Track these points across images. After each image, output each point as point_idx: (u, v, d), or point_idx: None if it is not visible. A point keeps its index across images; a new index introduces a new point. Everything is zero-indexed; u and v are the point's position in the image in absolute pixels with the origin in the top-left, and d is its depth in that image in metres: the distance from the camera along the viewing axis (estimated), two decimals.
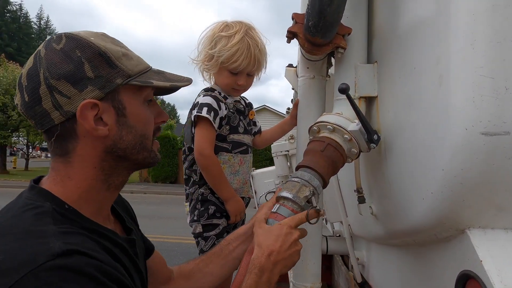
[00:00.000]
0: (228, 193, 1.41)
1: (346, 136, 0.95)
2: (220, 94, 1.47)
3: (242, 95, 1.59)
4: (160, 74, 0.77)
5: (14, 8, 49.90)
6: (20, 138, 19.10)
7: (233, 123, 1.46)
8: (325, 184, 0.93)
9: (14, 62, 18.86)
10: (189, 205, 1.45)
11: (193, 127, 1.41)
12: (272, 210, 0.87)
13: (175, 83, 0.76)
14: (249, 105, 1.60)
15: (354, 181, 1.14)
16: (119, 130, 0.70)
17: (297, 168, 0.95)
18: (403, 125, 0.89)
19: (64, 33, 0.70)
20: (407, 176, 0.87)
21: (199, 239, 1.41)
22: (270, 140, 1.63)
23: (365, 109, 1.04)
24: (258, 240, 0.79)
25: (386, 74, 0.98)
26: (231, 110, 1.46)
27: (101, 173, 0.71)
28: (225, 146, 1.44)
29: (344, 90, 0.85)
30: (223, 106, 1.44)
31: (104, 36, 0.73)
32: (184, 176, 1.50)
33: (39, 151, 38.64)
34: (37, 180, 0.72)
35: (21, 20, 49.41)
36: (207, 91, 1.48)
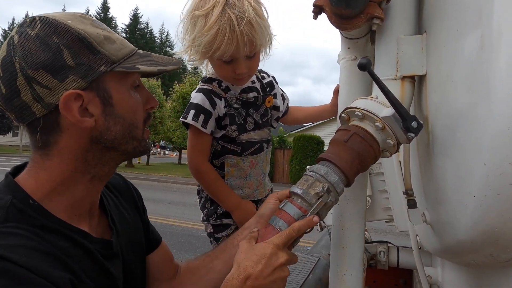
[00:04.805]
0: (230, 203, 1.18)
1: (378, 124, 0.78)
2: (220, 85, 1.15)
3: (264, 70, 1.26)
4: (147, 57, 0.72)
5: (142, 26, 58.19)
6: None
7: (238, 121, 1.16)
8: (348, 181, 0.78)
9: None
10: (199, 203, 1.30)
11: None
12: (279, 206, 0.77)
13: (163, 67, 0.71)
14: (269, 86, 1.23)
15: (420, 181, 0.93)
16: (106, 120, 0.66)
17: (318, 161, 0.82)
18: (444, 107, 0.69)
19: (39, 16, 0.64)
20: (452, 174, 0.67)
21: (211, 239, 1.27)
22: (302, 121, 1.39)
23: (412, 91, 0.84)
24: (239, 257, 0.68)
25: (435, 45, 0.78)
26: (234, 106, 1.15)
27: (82, 165, 0.67)
28: (233, 148, 1.18)
29: (363, 66, 0.69)
30: (220, 103, 1.13)
31: (82, 17, 0.68)
32: None
33: (159, 149, 44.18)
34: (20, 167, 0.69)
35: (147, 36, 57.30)
36: (205, 82, 1.17)
